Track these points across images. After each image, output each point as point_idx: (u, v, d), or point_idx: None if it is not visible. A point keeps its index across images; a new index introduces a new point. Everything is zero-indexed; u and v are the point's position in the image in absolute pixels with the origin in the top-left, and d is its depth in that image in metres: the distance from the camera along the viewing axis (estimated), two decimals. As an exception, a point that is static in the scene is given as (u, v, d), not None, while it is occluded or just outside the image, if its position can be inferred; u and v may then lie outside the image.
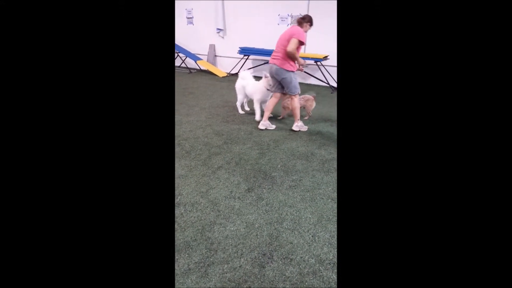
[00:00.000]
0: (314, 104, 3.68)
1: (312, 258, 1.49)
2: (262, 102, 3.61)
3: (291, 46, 2.89)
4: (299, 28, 2.96)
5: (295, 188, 2.14)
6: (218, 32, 6.78)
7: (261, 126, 3.34)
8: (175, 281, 1.34)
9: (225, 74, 6.61)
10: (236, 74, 6.62)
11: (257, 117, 3.61)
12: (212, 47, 7.03)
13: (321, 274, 1.40)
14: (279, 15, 5.85)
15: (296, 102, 3.24)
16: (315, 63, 5.68)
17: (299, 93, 3.25)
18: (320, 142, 3.01)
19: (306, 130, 3.36)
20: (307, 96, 3.64)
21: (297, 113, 3.26)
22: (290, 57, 2.97)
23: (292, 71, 3.09)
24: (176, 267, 1.42)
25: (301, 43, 2.92)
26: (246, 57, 6.39)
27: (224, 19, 6.60)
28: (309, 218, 1.81)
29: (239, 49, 6.25)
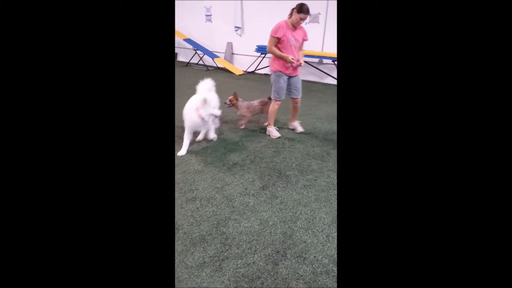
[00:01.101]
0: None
1: (326, 258, 1.49)
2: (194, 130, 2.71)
3: (268, 44, 2.77)
4: (278, 23, 2.73)
5: (309, 188, 2.14)
6: (236, 30, 6.81)
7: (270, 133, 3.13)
8: (190, 274, 1.38)
9: (242, 72, 6.65)
10: (253, 72, 6.64)
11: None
12: (230, 45, 7.08)
13: (334, 274, 1.40)
14: (297, 13, 5.81)
15: (272, 106, 3.00)
16: (332, 63, 5.61)
17: (281, 100, 2.96)
18: (336, 142, 2.98)
19: (276, 137, 3.04)
20: (264, 99, 3.27)
21: (272, 117, 3.07)
22: (273, 56, 2.81)
23: (278, 71, 2.82)
24: (191, 260, 1.46)
25: (274, 38, 2.70)
26: (263, 55, 6.40)
27: (242, 17, 6.62)
28: (323, 218, 1.81)
29: (256, 47, 6.26)
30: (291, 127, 3.31)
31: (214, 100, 2.54)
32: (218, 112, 2.56)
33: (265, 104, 3.24)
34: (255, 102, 3.25)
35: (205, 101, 2.42)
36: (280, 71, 2.82)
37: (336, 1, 5.36)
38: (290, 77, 2.91)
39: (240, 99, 3.24)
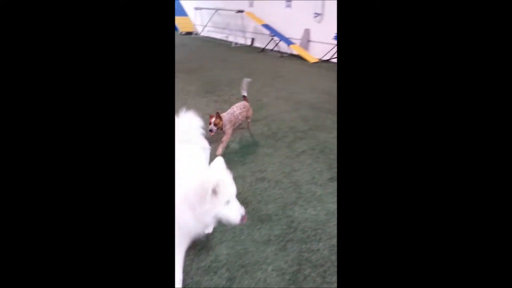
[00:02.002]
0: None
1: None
2: None
3: None
4: None
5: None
6: (316, 17, 6.59)
7: None
8: (257, 248, 1.47)
9: (316, 60, 6.46)
10: (328, 61, 6.40)
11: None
12: (307, 32, 6.91)
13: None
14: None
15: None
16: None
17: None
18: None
19: None
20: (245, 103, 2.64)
21: None
22: None
23: None
24: (258, 235, 1.55)
25: None
26: (341, 43, 6.09)
27: (323, 3, 6.36)
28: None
29: (335, 35, 5.98)
30: None
31: (228, 185, 1.12)
32: (233, 215, 1.12)
33: (248, 110, 2.64)
34: (237, 110, 2.49)
35: (213, 193, 1.05)
36: None
37: None
38: None
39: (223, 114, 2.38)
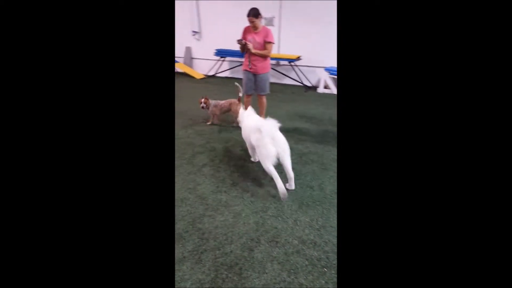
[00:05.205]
0: (240, 107, 3.23)
1: (295, 240, 1.66)
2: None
3: None
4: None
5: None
6: (194, 35, 6.83)
7: None
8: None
9: (203, 76, 6.68)
10: (214, 76, 6.72)
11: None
12: (188, 50, 7.07)
13: (304, 252, 1.57)
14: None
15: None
16: (288, 64, 5.91)
17: (247, 94, 3.39)
18: (297, 138, 3.20)
19: None
20: (232, 100, 3.57)
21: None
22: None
23: (243, 69, 3.29)
24: (171, 256, 1.53)
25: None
26: (222, 59, 6.51)
27: (199, 21, 6.67)
28: (290, 205, 1.98)
29: (216, 51, 6.35)
30: None
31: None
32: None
33: (232, 104, 3.52)
34: (223, 102, 3.58)
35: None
36: (245, 69, 3.27)
37: (289, 3, 5.67)
38: (254, 75, 3.24)
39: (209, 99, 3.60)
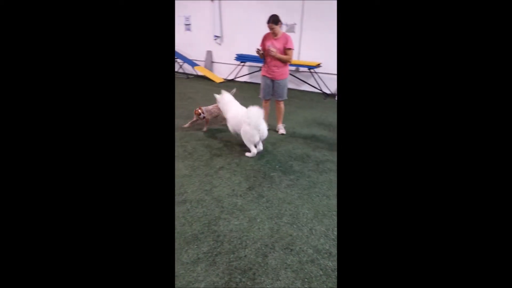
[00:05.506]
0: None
1: (310, 249, 1.64)
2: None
3: None
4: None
5: (292, 187, 2.29)
6: (215, 39, 6.96)
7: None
8: (186, 269, 1.47)
9: (222, 80, 6.78)
10: (233, 80, 6.80)
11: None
12: (209, 54, 7.20)
13: (318, 262, 1.55)
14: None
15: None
16: (308, 71, 5.90)
17: (264, 99, 3.45)
18: (314, 145, 3.17)
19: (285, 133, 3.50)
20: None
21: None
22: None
23: (262, 75, 3.35)
24: (186, 257, 1.55)
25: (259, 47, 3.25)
26: (242, 63, 6.58)
27: (221, 26, 6.79)
28: (306, 213, 1.96)
29: (236, 55, 6.44)
30: (276, 128, 3.57)
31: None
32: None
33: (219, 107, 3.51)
34: (211, 107, 3.59)
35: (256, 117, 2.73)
36: (263, 74, 3.33)
37: (313, 11, 5.67)
38: (273, 80, 3.27)
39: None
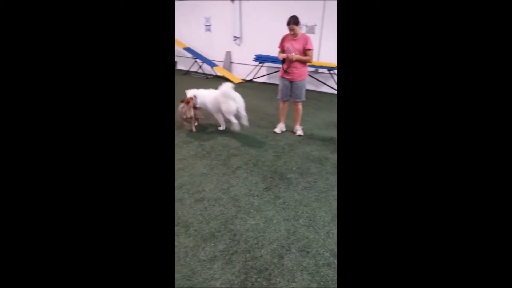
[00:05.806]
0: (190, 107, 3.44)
1: (327, 252, 1.62)
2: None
3: None
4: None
5: (310, 189, 2.27)
6: (235, 40, 7.02)
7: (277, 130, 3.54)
8: (203, 266, 1.49)
9: (240, 81, 6.82)
10: (251, 81, 6.83)
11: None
12: (228, 54, 7.27)
13: (335, 266, 1.53)
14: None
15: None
16: (328, 72, 5.82)
17: (282, 100, 3.43)
18: (332, 148, 3.13)
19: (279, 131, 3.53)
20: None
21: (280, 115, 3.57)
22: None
23: (280, 76, 3.34)
24: (203, 254, 1.57)
25: (279, 49, 3.27)
26: (261, 64, 6.59)
27: (241, 26, 6.84)
28: (323, 216, 1.94)
29: (255, 56, 6.46)
30: (293, 130, 3.55)
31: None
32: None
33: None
34: (180, 107, 3.49)
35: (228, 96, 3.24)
36: (282, 76, 3.31)
37: (333, 12, 5.60)
38: (291, 82, 3.26)
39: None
